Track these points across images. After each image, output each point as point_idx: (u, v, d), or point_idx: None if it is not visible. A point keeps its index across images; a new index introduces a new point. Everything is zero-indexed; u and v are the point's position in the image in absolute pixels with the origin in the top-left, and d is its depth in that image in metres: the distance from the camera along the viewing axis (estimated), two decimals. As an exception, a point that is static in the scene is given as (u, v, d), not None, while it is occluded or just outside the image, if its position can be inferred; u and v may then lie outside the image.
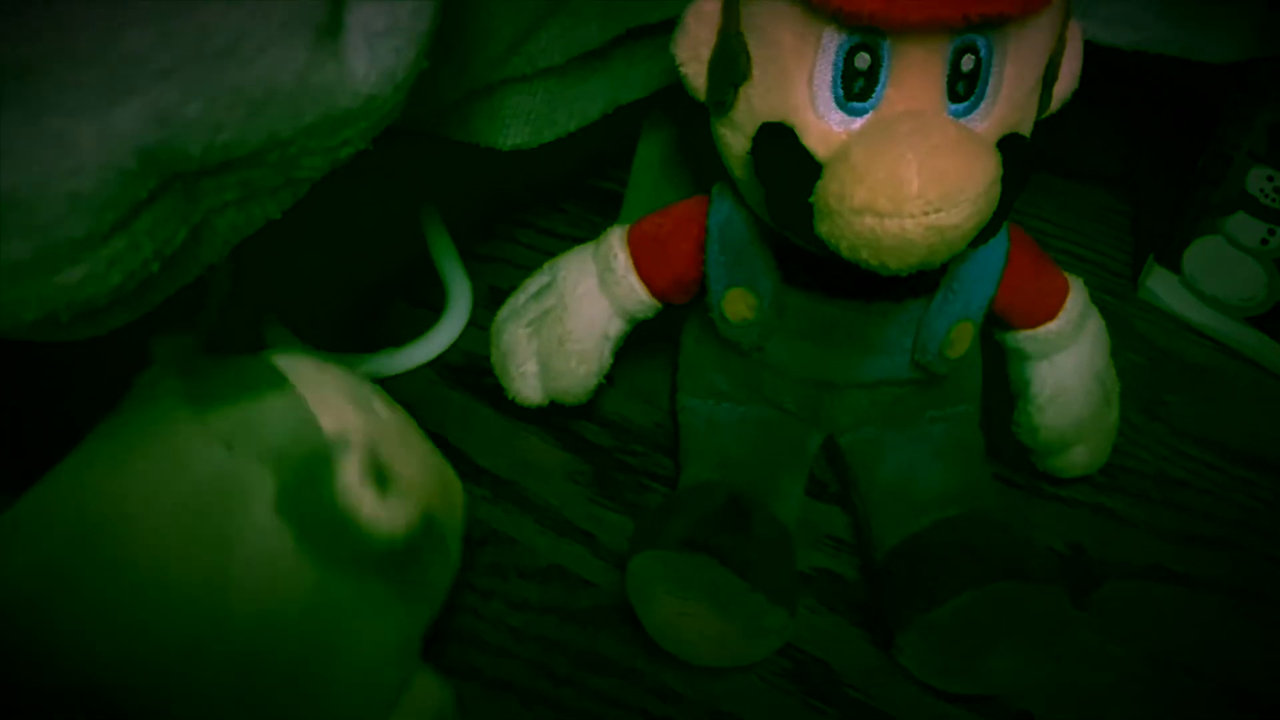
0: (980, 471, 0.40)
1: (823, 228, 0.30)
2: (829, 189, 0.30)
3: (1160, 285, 0.49)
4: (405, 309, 0.48)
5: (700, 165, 0.44)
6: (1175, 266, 0.48)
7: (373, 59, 0.23)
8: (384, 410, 0.31)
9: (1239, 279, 0.46)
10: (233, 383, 0.26)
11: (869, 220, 0.29)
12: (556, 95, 0.39)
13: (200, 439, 0.25)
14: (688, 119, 0.46)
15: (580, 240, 0.52)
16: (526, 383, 0.40)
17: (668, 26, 0.35)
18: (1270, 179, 0.43)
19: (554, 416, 0.41)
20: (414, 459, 0.31)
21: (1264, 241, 0.45)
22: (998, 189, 0.30)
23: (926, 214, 0.29)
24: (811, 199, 0.30)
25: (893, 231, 0.29)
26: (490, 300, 0.48)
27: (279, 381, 0.27)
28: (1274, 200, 0.44)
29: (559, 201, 0.54)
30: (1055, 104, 0.35)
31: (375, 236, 0.49)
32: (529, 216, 0.53)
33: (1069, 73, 0.34)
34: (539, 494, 0.41)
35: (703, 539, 0.34)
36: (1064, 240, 0.53)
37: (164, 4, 0.19)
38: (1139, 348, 0.48)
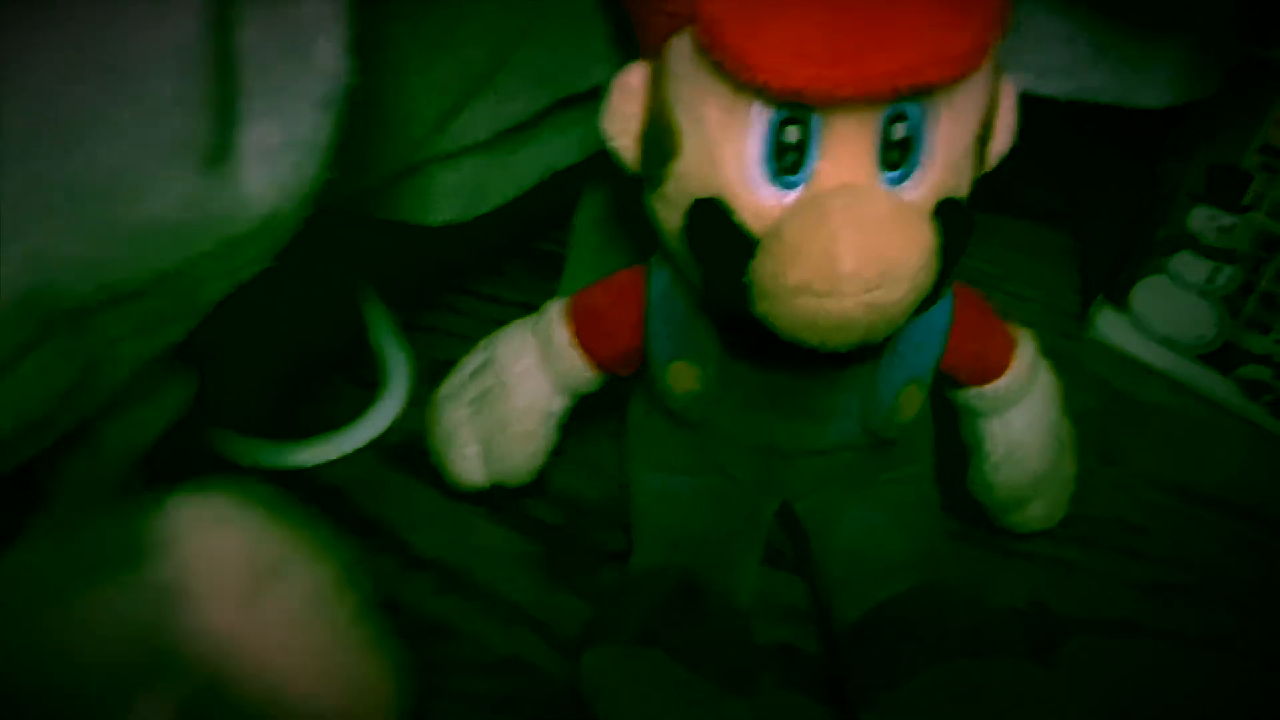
0: (938, 534, 0.39)
1: (760, 307, 0.30)
2: (764, 269, 0.29)
3: (1110, 325, 0.49)
4: (344, 387, 0.46)
5: (640, 230, 0.43)
6: (1124, 306, 0.48)
7: (270, 177, 0.22)
8: (287, 595, 0.26)
9: (1188, 318, 0.46)
10: (95, 555, 0.23)
11: (806, 300, 0.28)
12: (486, 170, 0.38)
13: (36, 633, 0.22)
14: (626, 182, 0.45)
15: (524, 305, 0.51)
16: (468, 466, 0.39)
17: (599, 93, 0.34)
18: (1211, 218, 0.43)
19: (500, 495, 0.40)
20: (308, 672, 0.25)
21: (1209, 280, 0.45)
22: (936, 260, 0.29)
23: (864, 292, 0.28)
24: (747, 278, 0.29)
25: (831, 311, 0.28)
26: (432, 375, 0.46)
27: (140, 559, 0.23)
28: (1217, 239, 0.44)
29: (500, 265, 0.53)
30: (992, 162, 0.34)
31: (310, 314, 0.47)
32: (469, 283, 0.52)
33: (1004, 129, 0.34)
34: (487, 581, 0.40)
35: (655, 632, 0.33)
36: (1011, 281, 0.52)
37: (36, 145, 0.18)
38: (1092, 389, 0.48)
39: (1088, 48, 0.37)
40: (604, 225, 0.47)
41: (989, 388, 0.38)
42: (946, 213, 0.31)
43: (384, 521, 0.42)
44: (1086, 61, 0.38)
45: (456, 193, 0.38)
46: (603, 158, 0.43)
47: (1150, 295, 0.47)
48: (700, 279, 0.33)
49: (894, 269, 0.28)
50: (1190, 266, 0.45)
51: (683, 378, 0.37)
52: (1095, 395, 0.47)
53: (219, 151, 0.21)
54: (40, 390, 0.21)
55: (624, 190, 0.46)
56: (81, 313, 0.21)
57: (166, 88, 0.19)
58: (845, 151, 0.29)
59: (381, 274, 0.49)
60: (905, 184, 0.30)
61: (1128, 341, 0.48)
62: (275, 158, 0.22)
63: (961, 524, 0.41)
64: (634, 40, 0.34)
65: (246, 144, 0.21)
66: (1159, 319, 0.47)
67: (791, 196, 0.30)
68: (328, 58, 0.22)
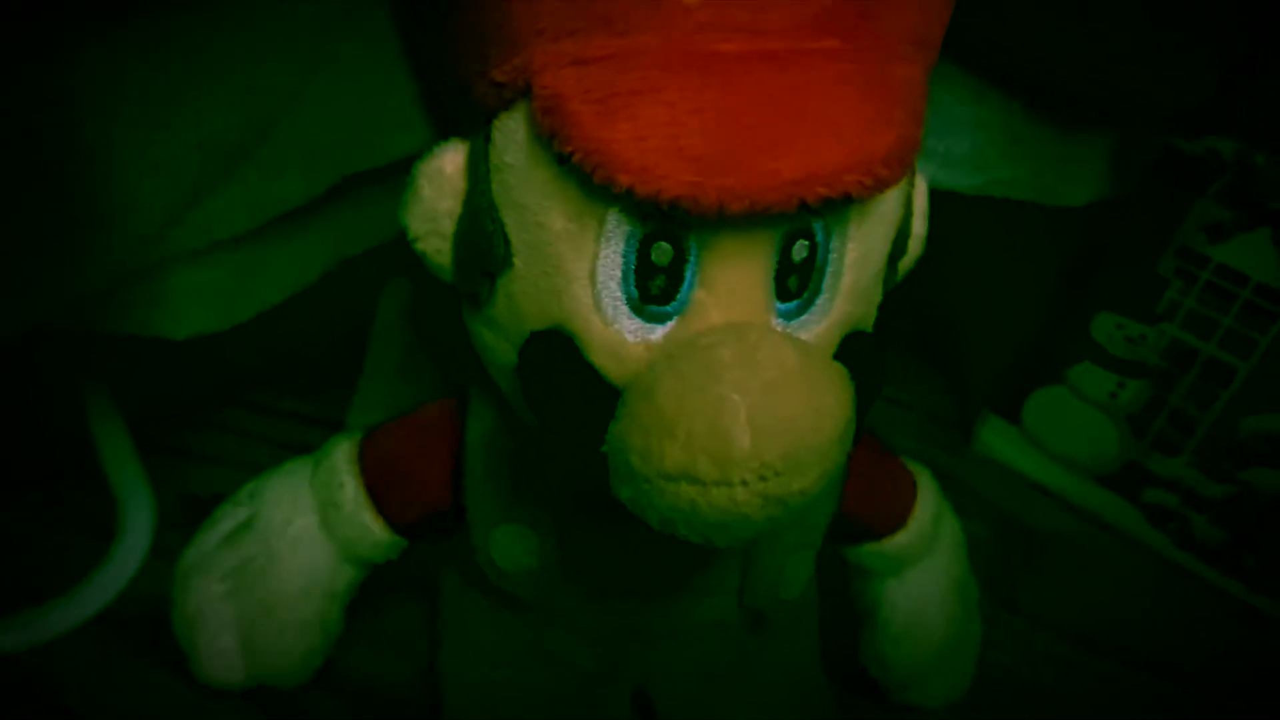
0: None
1: (624, 492, 0.22)
2: (630, 443, 0.21)
3: (999, 439, 0.43)
4: (64, 538, 0.35)
5: (456, 342, 0.35)
6: (1015, 418, 0.43)
7: None
8: None
9: (1087, 435, 0.41)
10: None
11: (686, 489, 0.21)
12: (250, 265, 0.29)
13: None
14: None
15: (307, 420, 0.42)
16: (223, 662, 0.30)
17: (405, 167, 0.25)
18: (1119, 326, 0.38)
19: (271, 689, 0.31)
20: None
21: (1112, 395, 0.40)
22: (853, 426, 0.22)
23: (764, 480, 0.21)
24: (606, 448, 0.21)
25: (719, 504, 0.21)
26: (184, 516, 0.36)
27: None
28: (1122, 350, 0.39)
29: (278, 369, 0.43)
30: (900, 276, 0.28)
31: (14, 437, 0.36)
32: (238, 389, 0.42)
33: (916, 237, 0.27)
34: (250, 816, 0.30)
35: None
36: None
37: None
38: (980, 515, 0.42)
39: (999, 137, 0.32)
40: (412, 325, 0.38)
41: (888, 544, 0.32)
42: (857, 352, 0.24)
43: (109, 731, 0.31)
44: (997, 152, 0.32)
45: (208, 298, 0.29)
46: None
47: (1046, 408, 0.42)
48: (538, 431, 0.25)
49: (803, 449, 0.21)
50: (1092, 378, 0.40)
51: (512, 548, 0.28)
52: (984, 522, 0.41)
53: None
54: None
55: (434, 291, 0.37)
56: None
57: None
58: (732, 279, 0.22)
59: (114, 372, 0.38)
60: (804, 317, 0.23)
61: (1019, 459, 0.43)
62: None
63: (850, 694, 0.34)
64: (448, 105, 0.26)
65: None
66: (1055, 435, 0.42)
67: (660, 333, 0.22)
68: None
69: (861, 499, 0.30)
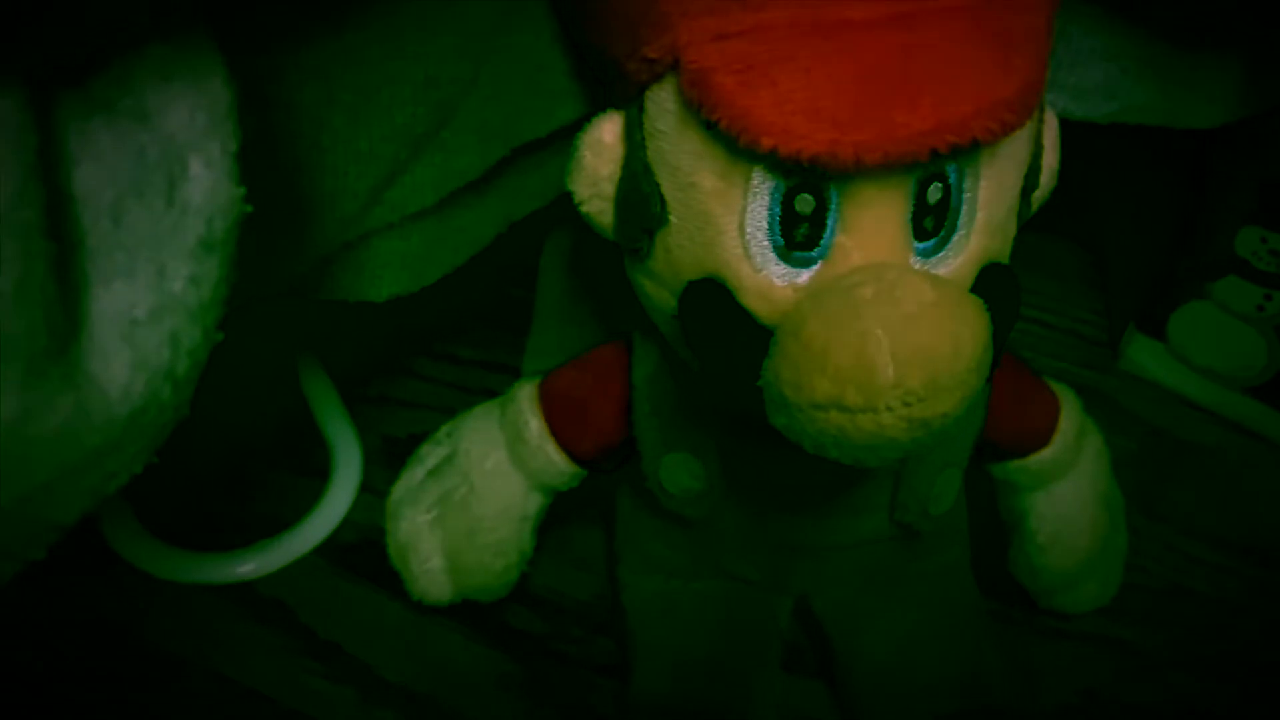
0: (979, 638, 0.34)
1: (779, 420, 0.24)
2: (782, 376, 0.23)
3: (1145, 355, 0.44)
4: (286, 479, 0.40)
5: (616, 284, 0.38)
6: (1160, 335, 0.43)
7: (136, 359, 0.16)
8: None
9: (1234, 348, 0.41)
10: None
11: (836, 416, 0.23)
12: (435, 234, 0.33)
13: None
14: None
15: (486, 364, 0.45)
16: (433, 581, 0.34)
17: (566, 134, 0.28)
18: (1264, 240, 0.38)
19: (473, 604, 0.35)
20: None
21: (1260, 308, 0.40)
22: (989, 353, 0.24)
23: (907, 405, 0.22)
24: (761, 382, 0.24)
25: (867, 429, 0.23)
26: (385, 455, 0.41)
27: None
28: (1268, 264, 0.39)
29: (460, 319, 0.47)
30: (1034, 209, 0.29)
31: (243, 395, 0.41)
32: (426, 341, 0.46)
33: (1047, 171, 0.28)
34: (461, 710, 0.34)
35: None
36: (1032, 307, 0.47)
37: None
38: (1128, 429, 0.43)
39: (1130, 64, 0.32)
40: (574, 272, 0.41)
41: (1033, 460, 0.33)
42: (993, 284, 0.25)
43: (339, 642, 0.36)
44: (1129, 80, 0.32)
45: (402, 263, 0.32)
46: (568, 202, 0.37)
47: (1191, 323, 0.42)
48: (699, 369, 0.27)
49: (943, 375, 0.22)
50: (1237, 292, 0.40)
51: (679, 474, 0.31)
52: (1133, 436, 0.42)
53: (56, 344, 0.15)
54: None
55: (594, 244, 0.40)
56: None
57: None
58: (871, 224, 0.24)
59: (322, 340, 0.43)
60: (941, 254, 0.25)
61: (1166, 374, 0.43)
62: (141, 332, 0.16)
63: (998, 602, 0.36)
64: (604, 80, 0.28)
65: (99, 320, 0.16)
66: (1201, 349, 0.42)
67: (806, 276, 0.24)
68: (204, 187, 0.16)
69: (1005, 420, 0.32)
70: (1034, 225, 0.52)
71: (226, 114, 0.17)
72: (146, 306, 0.16)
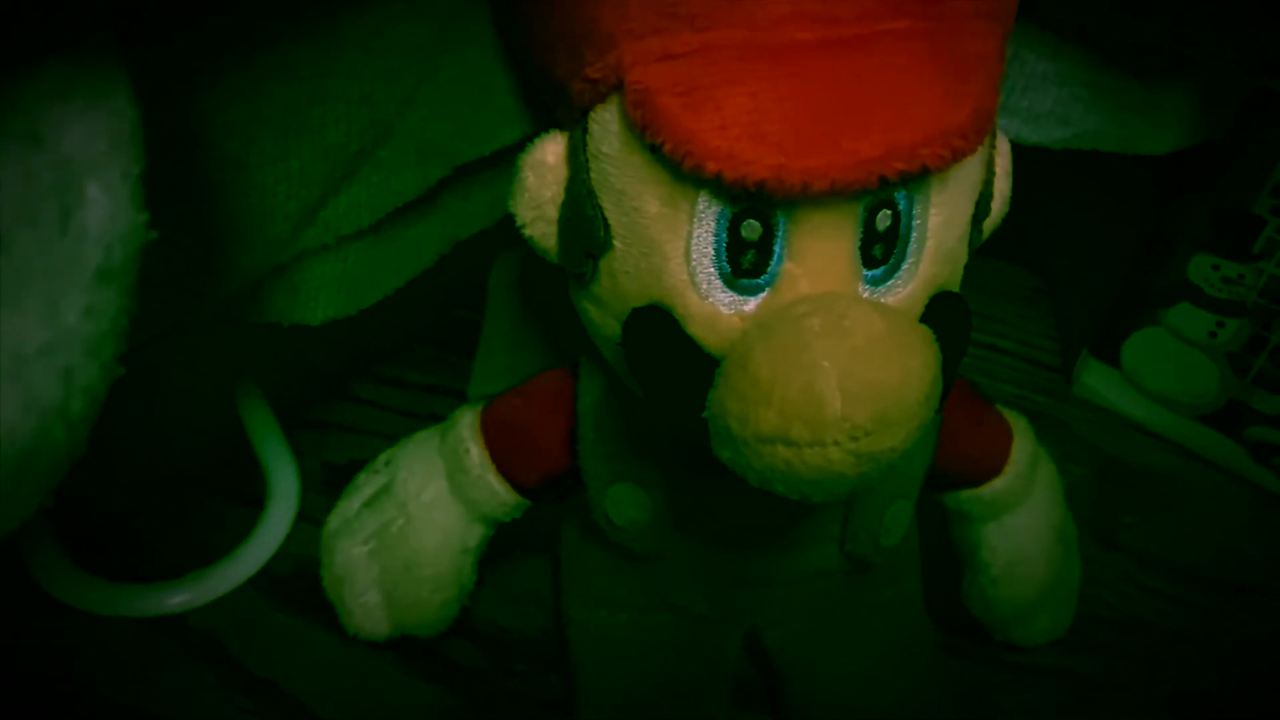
0: (931, 670, 0.33)
1: (724, 453, 0.23)
2: (728, 409, 0.22)
3: (1098, 381, 0.44)
4: (219, 507, 0.39)
5: (566, 308, 0.37)
6: (1114, 361, 0.43)
7: (25, 399, 0.15)
8: None
9: (1187, 374, 0.41)
10: None
11: (782, 450, 0.22)
12: (374, 254, 0.31)
13: None
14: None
15: (432, 390, 0.44)
16: (369, 615, 0.33)
17: (511, 154, 0.27)
18: (1216, 267, 0.38)
19: (413, 638, 0.34)
20: None
21: (1212, 335, 0.40)
22: (939, 385, 0.23)
23: (855, 439, 0.22)
24: (706, 413, 0.23)
25: (813, 463, 0.22)
26: (324, 481, 0.39)
27: None
28: (1220, 290, 0.38)
29: (404, 340, 0.45)
30: (985, 236, 0.28)
31: (174, 420, 0.40)
32: (368, 363, 0.45)
33: (999, 196, 0.28)
34: (401, 750, 0.33)
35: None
36: (986, 332, 0.47)
37: None
38: (1082, 457, 0.42)
39: (1083, 90, 0.32)
40: (522, 294, 0.40)
41: (985, 489, 0.32)
42: (943, 313, 0.25)
43: (273, 680, 0.34)
44: (1082, 106, 0.32)
45: (339, 285, 0.31)
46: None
47: (1144, 350, 0.41)
48: (645, 399, 0.26)
49: (892, 409, 0.22)
50: (1190, 319, 0.40)
51: (625, 505, 0.30)
52: (1087, 463, 0.42)
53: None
54: None
55: (542, 267, 0.39)
56: None
57: None
58: (818, 251, 0.23)
59: (259, 363, 0.41)
60: (890, 282, 0.24)
61: (1119, 400, 0.43)
62: (31, 370, 0.15)
63: (954, 636, 0.36)
64: (547, 100, 0.28)
65: (-14, 358, 0.14)
66: (1154, 375, 0.42)
67: (753, 304, 0.24)
68: (102, 212, 0.15)
69: (957, 449, 0.31)
70: (987, 250, 0.52)
71: (130, 135, 0.16)
72: (37, 341, 0.15)
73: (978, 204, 0.26)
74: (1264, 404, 0.40)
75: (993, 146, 0.27)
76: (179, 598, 0.36)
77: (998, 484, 0.32)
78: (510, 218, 0.27)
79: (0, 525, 0.16)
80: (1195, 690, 0.36)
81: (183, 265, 0.22)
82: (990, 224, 0.28)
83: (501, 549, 0.34)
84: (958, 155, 0.22)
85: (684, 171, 0.22)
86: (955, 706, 0.33)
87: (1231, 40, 0.30)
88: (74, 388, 0.15)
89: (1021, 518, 0.33)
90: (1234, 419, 0.41)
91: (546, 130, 0.26)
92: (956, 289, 0.26)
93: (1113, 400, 0.43)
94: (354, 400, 0.43)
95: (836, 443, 0.22)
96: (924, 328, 0.23)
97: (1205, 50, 0.31)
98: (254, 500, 0.39)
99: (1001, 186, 0.28)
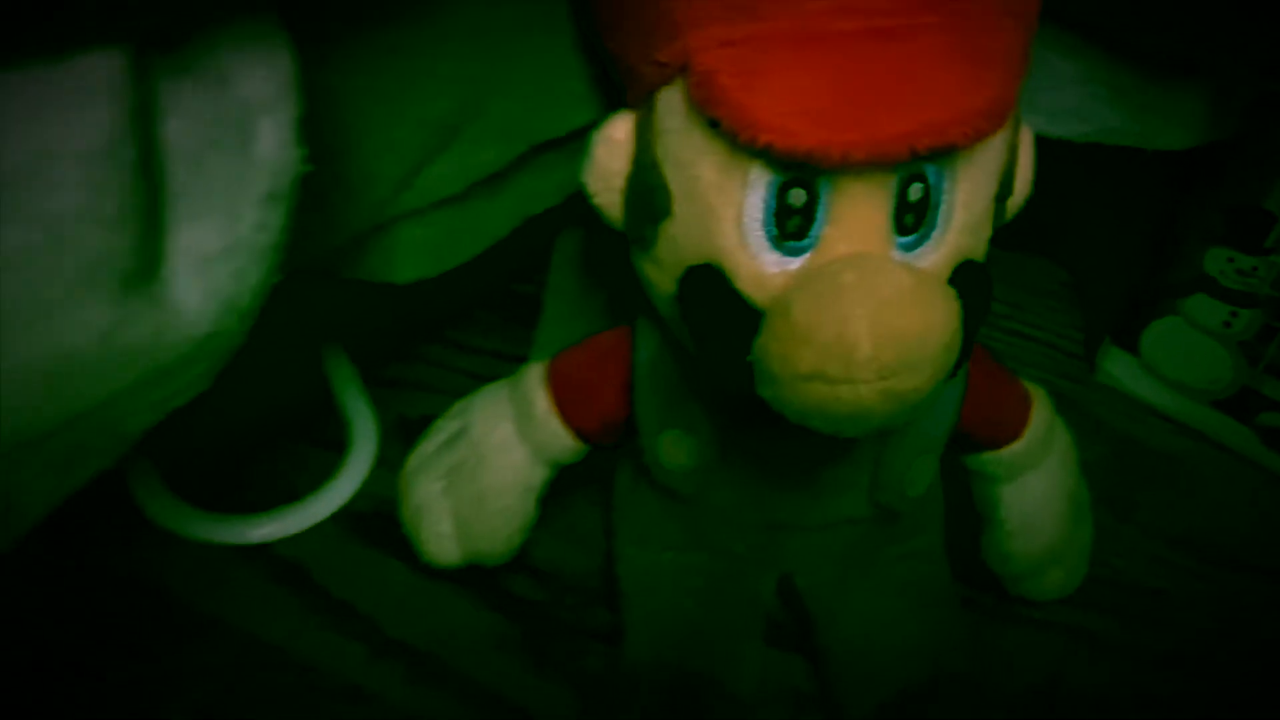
0: (950, 614, 0.36)
1: (766, 391, 0.27)
2: (770, 351, 0.26)
3: (1119, 368, 0.46)
4: (306, 450, 0.43)
5: (622, 276, 0.40)
6: (1133, 349, 0.45)
7: (206, 290, 0.18)
8: None
9: (1202, 362, 0.44)
10: None
11: (818, 387, 0.25)
12: (456, 222, 0.35)
13: None
14: (606, 227, 0.42)
15: (496, 353, 0.48)
16: (442, 544, 0.36)
17: (579, 137, 0.31)
18: (1230, 260, 0.41)
19: (477, 571, 0.37)
20: None
21: (1226, 325, 0.42)
22: (959, 337, 0.26)
23: (883, 379, 0.25)
24: (750, 357, 0.26)
25: (846, 399, 0.25)
26: (400, 432, 0.43)
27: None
28: (1234, 282, 0.41)
29: (471, 310, 0.49)
30: (1009, 216, 0.32)
31: (267, 371, 0.43)
32: (438, 330, 0.48)
33: (1022, 181, 0.31)
34: (464, 667, 0.37)
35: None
36: (1013, 320, 0.50)
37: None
38: (1101, 437, 0.45)
39: (1103, 89, 0.35)
40: (581, 269, 0.44)
41: (1004, 453, 0.35)
42: (966, 278, 0.28)
43: (351, 602, 0.38)
44: (1102, 103, 0.35)
45: (425, 248, 0.35)
46: (581, 199, 0.40)
47: (1162, 338, 0.44)
48: (695, 349, 0.30)
49: (915, 352, 0.25)
50: (1206, 309, 0.42)
51: (674, 450, 0.34)
52: (1105, 443, 0.45)
53: (143, 268, 0.17)
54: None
55: (603, 232, 0.43)
56: (-18, 458, 0.18)
57: (71, 201, 0.16)
58: (856, 217, 0.26)
59: (343, 325, 0.45)
60: (921, 249, 0.27)
61: (1138, 386, 0.46)
62: (212, 267, 0.18)
63: (972, 589, 0.39)
64: (618, 83, 0.31)
65: (177, 254, 0.18)
66: (1171, 363, 0.44)
67: (797, 264, 0.27)
68: (272, 145, 0.19)
69: (980, 413, 0.34)
70: (1018, 245, 0.56)
71: (292, 85, 0.19)
72: (218, 246, 0.18)
73: (1001, 184, 0.29)
74: (1275, 391, 0.42)
75: (1016, 134, 0.30)
76: (268, 528, 0.40)
77: (1016, 447, 0.35)
78: (573, 199, 0.31)
79: (176, 395, 0.20)
80: (1199, 653, 0.39)
81: (300, 216, 0.26)
82: (1014, 204, 0.31)
83: (561, 494, 0.37)
84: (980, 134, 0.25)
85: (739, 143, 0.25)
86: (965, 644, 0.36)
87: (1241, 46, 0.33)
88: (244, 286, 0.19)
89: (1037, 479, 0.36)
90: (1246, 405, 0.44)
91: (615, 111, 0.30)
92: (981, 259, 0.29)
93: (1132, 386, 0.46)
94: (426, 362, 0.47)
95: (866, 381, 0.25)
96: (947, 286, 0.26)
97: (1217, 56, 0.33)
98: (336, 446, 0.43)
99: (1025, 172, 0.31)
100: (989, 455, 0.35)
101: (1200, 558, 0.42)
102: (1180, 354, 0.44)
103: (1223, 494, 0.44)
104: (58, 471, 0.19)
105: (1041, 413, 0.35)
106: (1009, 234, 0.49)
